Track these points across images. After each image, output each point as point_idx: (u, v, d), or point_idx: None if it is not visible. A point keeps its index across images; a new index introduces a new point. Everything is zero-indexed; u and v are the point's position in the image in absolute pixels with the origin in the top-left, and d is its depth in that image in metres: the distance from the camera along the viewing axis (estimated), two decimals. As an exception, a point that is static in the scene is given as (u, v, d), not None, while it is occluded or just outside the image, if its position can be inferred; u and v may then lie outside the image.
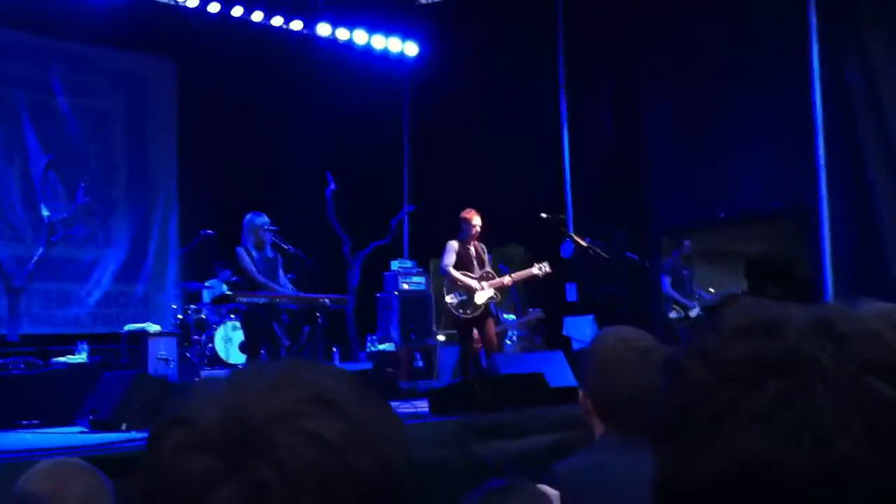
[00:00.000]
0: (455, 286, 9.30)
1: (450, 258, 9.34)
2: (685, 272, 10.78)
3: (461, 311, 9.26)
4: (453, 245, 9.40)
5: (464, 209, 9.59)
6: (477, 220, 9.43)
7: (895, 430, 0.79)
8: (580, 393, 2.47)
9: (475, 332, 9.56)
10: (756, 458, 0.78)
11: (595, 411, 2.43)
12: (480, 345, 9.84)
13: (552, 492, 2.07)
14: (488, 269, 9.49)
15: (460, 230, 9.49)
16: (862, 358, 0.81)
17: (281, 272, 8.82)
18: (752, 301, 0.89)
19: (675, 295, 10.73)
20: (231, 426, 0.82)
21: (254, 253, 8.58)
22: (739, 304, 0.90)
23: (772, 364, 0.80)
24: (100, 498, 2.04)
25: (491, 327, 9.39)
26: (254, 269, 8.50)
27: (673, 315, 10.67)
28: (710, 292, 10.87)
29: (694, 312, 10.66)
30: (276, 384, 0.86)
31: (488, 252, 9.66)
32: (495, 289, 9.36)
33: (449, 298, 9.31)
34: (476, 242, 9.50)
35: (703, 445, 0.80)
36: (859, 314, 0.88)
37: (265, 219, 8.73)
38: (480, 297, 9.24)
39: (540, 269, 9.44)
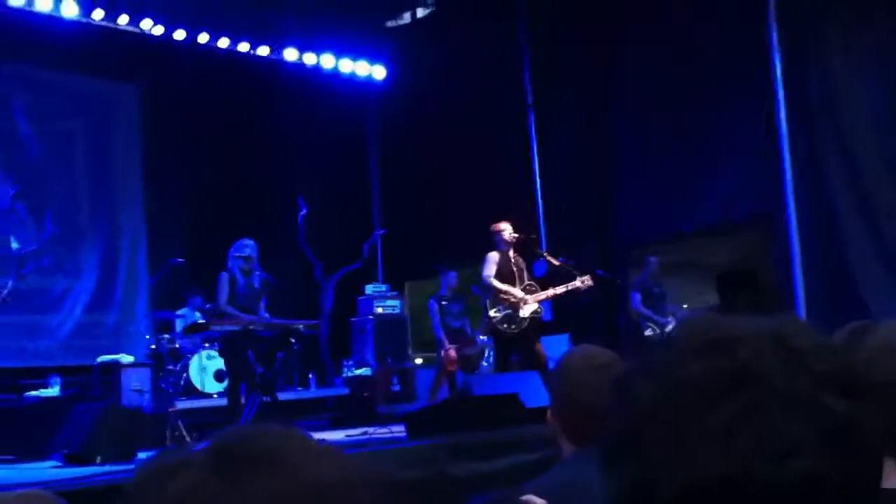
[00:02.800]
0: (498, 299, 8.76)
1: (490, 269, 8.81)
2: (656, 289, 10.72)
3: (505, 325, 8.71)
4: (493, 256, 8.88)
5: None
6: (506, 227, 8.94)
7: (850, 445, 0.79)
8: (548, 412, 2.49)
9: (453, 353, 9.47)
10: (711, 479, 0.77)
11: (562, 429, 2.44)
12: (454, 367, 9.75)
13: (539, 501, 2.07)
14: (530, 281, 9.01)
15: (495, 244, 8.97)
16: (815, 373, 0.80)
17: (264, 301, 8.70)
18: (704, 317, 0.87)
19: (647, 312, 10.69)
20: None
21: (239, 279, 8.50)
22: (690, 321, 0.89)
23: (725, 383, 0.79)
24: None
25: (538, 344, 8.83)
26: (223, 297, 8.43)
27: (648, 332, 10.64)
28: (683, 308, 10.91)
29: (669, 328, 10.65)
30: None
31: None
32: (538, 302, 8.89)
33: (492, 312, 8.76)
34: (516, 255, 9.03)
35: (656, 468, 0.79)
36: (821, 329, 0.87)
37: (245, 243, 8.63)
38: (525, 311, 8.74)
39: (583, 282, 9.01)
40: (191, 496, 0.83)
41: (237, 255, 8.52)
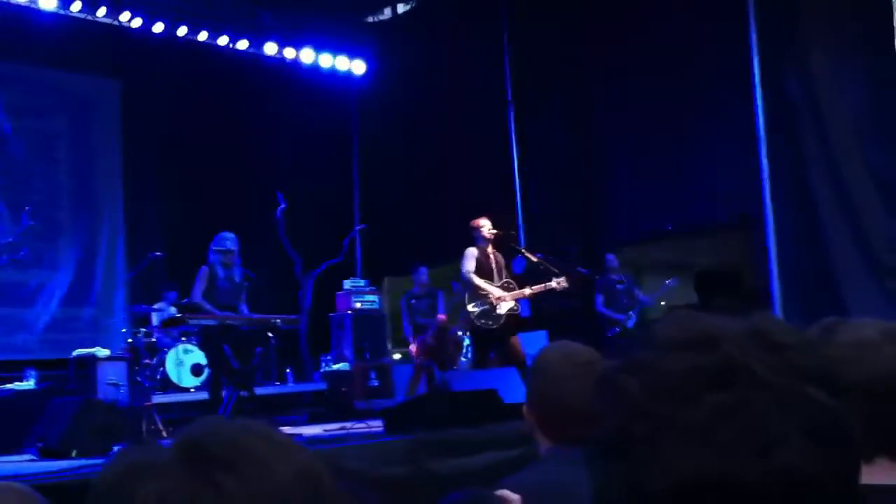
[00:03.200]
0: (477, 295, 8.79)
1: (470, 264, 8.82)
2: (619, 286, 10.82)
3: (483, 321, 8.73)
4: (472, 251, 8.90)
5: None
6: (485, 224, 8.95)
7: (834, 436, 0.80)
8: (524, 408, 2.49)
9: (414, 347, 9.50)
10: (696, 473, 0.77)
11: (538, 425, 2.45)
12: (422, 358, 9.75)
13: (514, 497, 2.07)
14: (508, 279, 9.02)
15: (474, 240, 8.99)
16: (798, 367, 0.81)
17: (244, 295, 8.65)
18: (685, 314, 0.88)
19: (608, 313, 10.79)
20: None
21: (220, 273, 8.46)
22: (672, 317, 0.89)
23: (708, 377, 0.80)
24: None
25: (516, 340, 8.86)
26: (198, 291, 8.40)
27: (612, 333, 10.73)
28: (661, 305, 10.98)
29: (631, 323, 10.73)
30: None
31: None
32: (515, 300, 8.89)
33: (470, 307, 8.77)
34: (495, 251, 9.05)
35: (642, 464, 0.80)
36: (800, 326, 0.88)
37: (226, 237, 8.59)
38: (503, 308, 8.77)
39: (558, 283, 9.03)
40: (163, 499, 0.83)
41: (217, 248, 8.48)
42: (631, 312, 10.73)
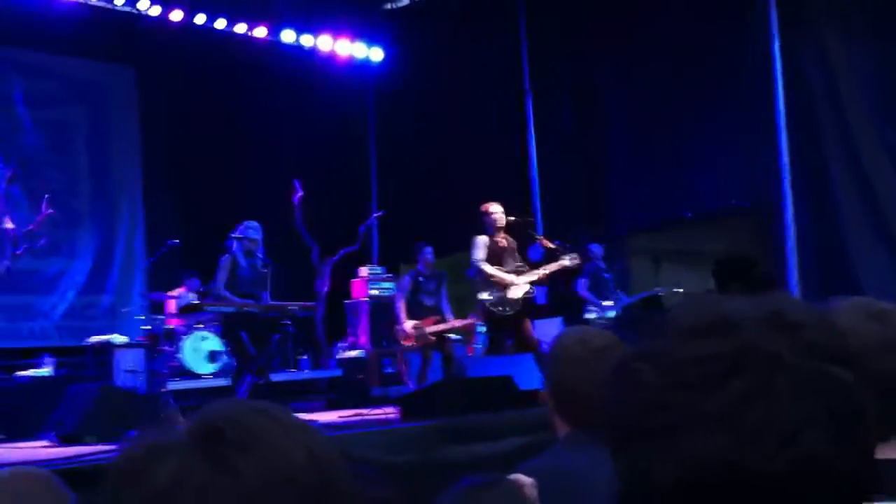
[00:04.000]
0: (489, 283, 8.74)
1: (480, 253, 8.75)
2: (605, 275, 10.82)
3: (498, 308, 8.66)
4: (483, 240, 8.81)
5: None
6: (496, 209, 8.88)
7: (859, 413, 0.79)
8: (542, 393, 2.49)
9: (408, 328, 9.41)
10: (718, 461, 0.76)
11: (556, 410, 2.44)
12: (411, 343, 9.64)
13: (527, 479, 2.07)
14: (520, 262, 8.95)
15: (484, 225, 8.91)
16: (818, 346, 0.80)
17: (268, 283, 8.64)
18: (701, 298, 0.86)
19: (590, 296, 10.80)
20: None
21: (242, 262, 8.47)
22: (688, 302, 0.87)
23: (728, 364, 0.78)
24: None
25: (528, 325, 8.81)
26: (221, 281, 8.40)
27: (591, 315, 10.72)
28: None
29: (611, 313, 10.70)
30: None
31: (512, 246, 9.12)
32: (529, 283, 8.82)
33: (483, 296, 8.72)
34: (505, 235, 8.95)
35: (662, 452, 0.78)
36: (818, 306, 0.87)
37: (250, 225, 8.59)
38: (516, 293, 8.69)
39: (571, 259, 8.98)
40: (179, 482, 0.84)
41: (241, 236, 8.46)
42: (611, 305, 10.71)
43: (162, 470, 0.85)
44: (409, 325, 9.65)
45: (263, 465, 0.84)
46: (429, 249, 10.23)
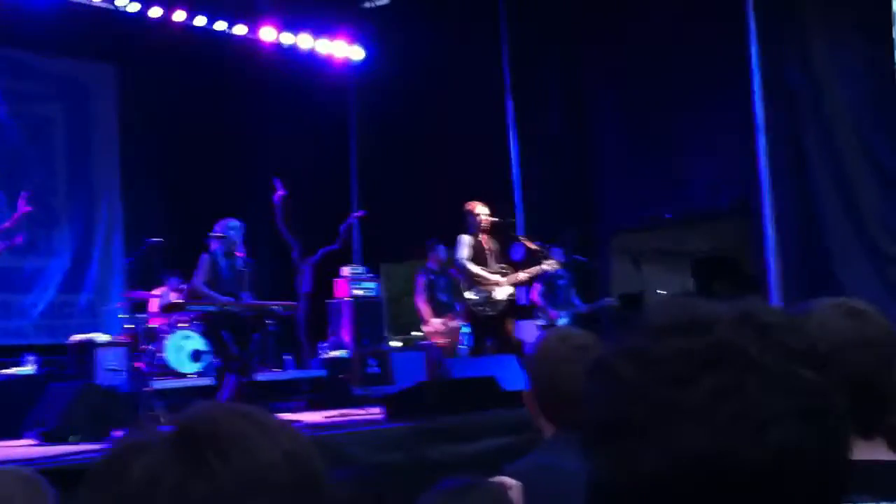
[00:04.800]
0: (473, 282, 8.80)
1: (464, 251, 8.82)
2: (561, 282, 10.67)
3: (481, 308, 8.77)
4: (467, 239, 8.88)
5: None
6: (481, 210, 8.93)
7: (825, 413, 0.82)
8: (525, 393, 2.51)
9: (440, 324, 9.32)
10: (694, 455, 0.79)
11: (541, 410, 2.46)
12: (443, 340, 9.60)
13: (512, 482, 2.08)
14: (503, 264, 9.02)
15: (468, 224, 8.98)
16: (787, 347, 0.83)
17: (248, 282, 8.61)
18: (677, 300, 0.90)
19: (542, 303, 10.68)
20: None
21: (222, 261, 8.43)
22: (664, 303, 0.91)
23: (703, 359, 0.81)
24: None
25: (511, 325, 8.94)
26: (200, 278, 8.38)
27: (540, 322, 10.63)
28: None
29: (561, 321, 10.51)
30: None
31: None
32: (512, 285, 8.92)
33: (468, 295, 8.81)
34: (488, 236, 9.05)
35: (638, 446, 0.81)
36: (797, 307, 0.90)
37: (231, 224, 8.54)
38: (500, 294, 8.79)
39: (549, 265, 9.14)
40: (154, 482, 0.86)
41: (221, 234, 8.42)
42: (563, 313, 10.57)
43: (138, 470, 0.86)
44: (436, 322, 9.66)
45: (240, 466, 0.86)
46: (441, 247, 10.23)
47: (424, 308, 9.87)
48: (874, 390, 1.64)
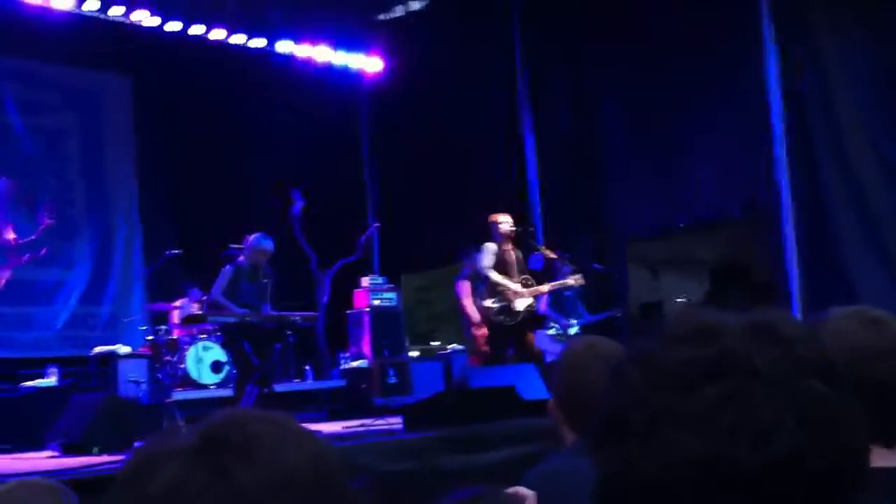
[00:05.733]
0: (495, 291, 8.78)
1: (488, 260, 8.78)
2: (567, 293, 10.54)
3: (501, 317, 8.74)
4: (491, 247, 8.86)
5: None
6: (505, 220, 8.93)
7: (828, 422, 0.83)
8: (549, 402, 2.52)
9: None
10: (694, 460, 0.81)
11: (564, 418, 2.48)
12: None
13: (528, 492, 2.08)
14: (526, 275, 8.99)
15: (491, 234, 8.96)
16: (796, 357, 0.85)
17: (268, 294, 8.64)
18: (690, 309, 0.92)
19: (551, 313, 10.65)
20: None
21: (245, 274, 8.46)
22: (678, 312, 0.93)
23: (709, 368, 0.84)
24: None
25: (531, 336, 8.90)
26: (220, 289, 8.41)
27: (551, 332, 10.58)
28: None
29: (572, 331, 10.49)
30: None
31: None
32: (533, 297, 8.91)
33: (488, 303, 8.79)
34: (512, 247, 9.03)
35: (639, 449, 0.83)
36: (809, 317, 0.91)
37: (270, 244, 8.58)
38: (520, 304, 8.77)
39: (575, 280, 9.14)
40: (176, 487, 0.85)
41: (259, 249, 8.44)
42: (574, 321, 10.56)
43: (161, 476, 0.86)
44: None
45: (262, 471, 0.86)
46: (477, 254, 10.23)
47: (473, 311, 9.73)
48: (893, 398, 1.64)
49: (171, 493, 0.85)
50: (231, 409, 0.96)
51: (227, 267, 8.48)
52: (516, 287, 8.82)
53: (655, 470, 0.82)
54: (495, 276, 8.77)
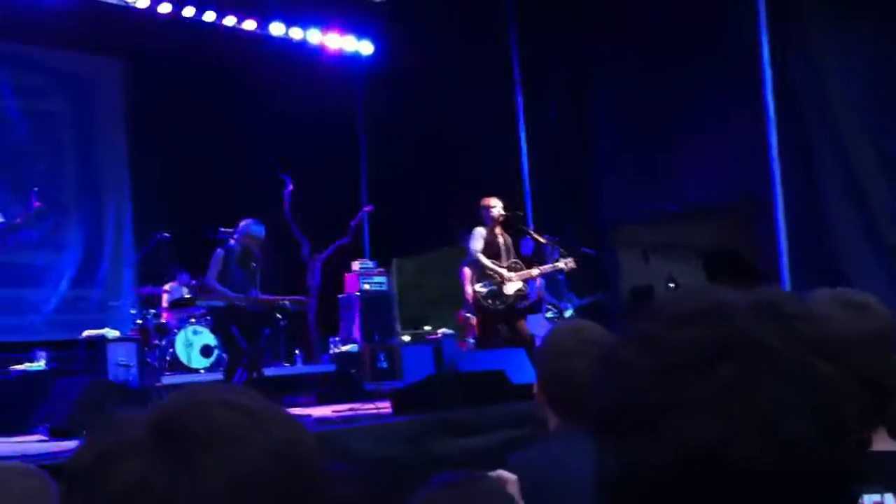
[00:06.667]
0: (484, 275, 8.78)
1: (478, 244, 8.79)
2: (560, 276, 10.64)
3: (490, 301, 8.73)
4: (481, 231, 8.86)
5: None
6: (496, 204, 8.91)
7: (837, 407, 0.80)
8: (535, 387, 2.50)
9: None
10: (706, 445, 0.77)
11: (547, 402, 2.46)
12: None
13: (510, 476, 2.07)
14: (516, 259, 8.99)
15: (482, 219, 8.96)
16: (806, 338, 0.81)
17: (258, 279, 8.61)
18: (694, 288, 0.88)
19: (548, 296, 10.72)
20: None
21: (235, 259, 8.43)
22: (681, 292, 0.89)
23: (719, 349, 0.79)
24: (43, 500, 2.01)
25: (522, 321, 8.88)
26: (215, 274, 8.38)
27: (549, 315, 10.66)
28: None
29: (568, 313, 10.66)
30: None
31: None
32: (523, 280, 8.90)
33: (478, 287, 8.76)
34: (502, 231, 9.03)
35: (650, 437, 0.79)
36: (802, 297, 0.88)
37: (262, 230, 8.54)
38: (510, 288, 8.75)
39: (566, 264, 9.11)
40: (141, 488, 0.80)
41: (251, 234, 8.41)
42: (567, 304, 10.68)
43: (121, 473, 0.80)
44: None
45: (227, 461, 0.81)
46: None
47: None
48: (875, 382, 1.62)
49: (135, 492, 0.79)
50: (187, 392, 0.88)
51: (218, 250, 8.43)
52: (505, 271, 8.81)
53: (670, 461, 0.78)
54: (485, 260, 8.78)
